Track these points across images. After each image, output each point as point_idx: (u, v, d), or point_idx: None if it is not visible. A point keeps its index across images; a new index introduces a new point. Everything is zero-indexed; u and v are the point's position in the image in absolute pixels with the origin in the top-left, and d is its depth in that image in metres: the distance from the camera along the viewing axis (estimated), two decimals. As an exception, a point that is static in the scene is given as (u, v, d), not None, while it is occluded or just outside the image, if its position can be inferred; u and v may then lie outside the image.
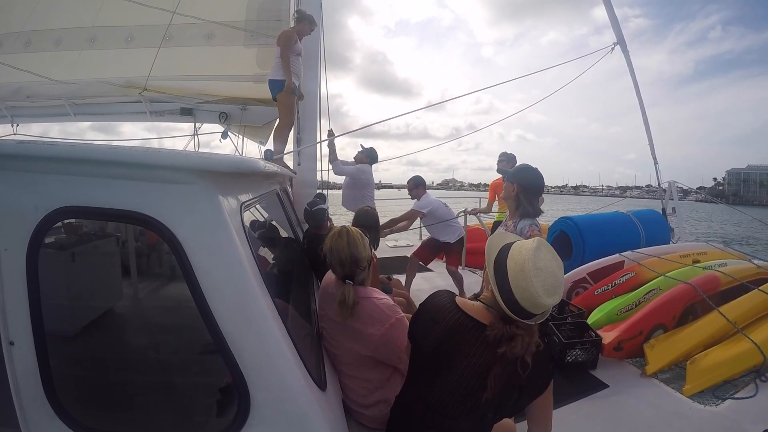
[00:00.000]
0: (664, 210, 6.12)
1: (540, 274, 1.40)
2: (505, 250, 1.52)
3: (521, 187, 2.83)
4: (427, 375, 1.64)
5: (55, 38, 5.24)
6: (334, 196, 5.28)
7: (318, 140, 4.69)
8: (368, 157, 5.37)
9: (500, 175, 5.43)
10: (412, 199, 5.41)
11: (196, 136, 5.08)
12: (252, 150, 5.52)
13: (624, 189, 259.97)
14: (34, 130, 5.71)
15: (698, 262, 4.65)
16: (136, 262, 4.24)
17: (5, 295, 1.48)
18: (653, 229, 5.65)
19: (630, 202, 6.97)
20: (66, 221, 1.95)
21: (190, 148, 5.10)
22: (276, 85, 4.32)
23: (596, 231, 5.35)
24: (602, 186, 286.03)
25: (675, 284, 3.99)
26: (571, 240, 5.35)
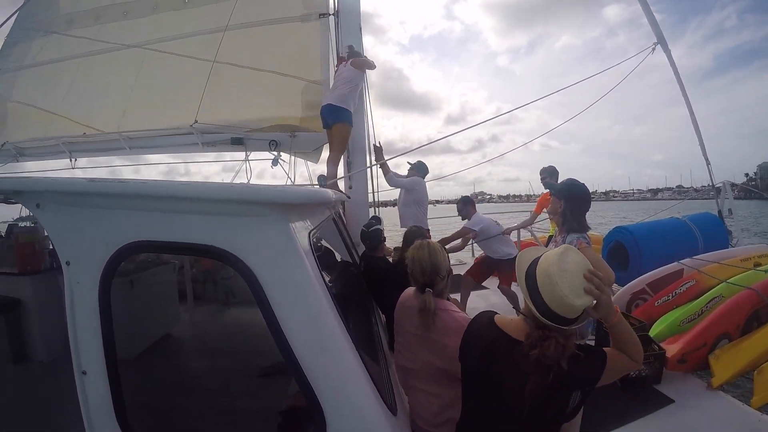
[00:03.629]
0: (720, 212, 5.85)
1: (565, 276, 1.42)
2: (535, 262, 1.55)
3: (568, 202, 2.88)
4: (475, 394, 1.65)
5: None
6: (385, 213, 5.30)
7: (368, 164, 4.78)
8: (419, 170, 5.38)
9: (547, 190, 5.35)
10: (463, 219, 5.46)
11: (247, 162, 5.18)
12: (300, 171, 5.66)
13: (655, 191, 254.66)
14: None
15: (760, 265, 4.44)
16: (193, 288, 4.41)
17: (78, 326, 1.53)
18: (711, 233, 5.39)
19: (684, 206, 6.69)
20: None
21: (242, 174, 5.23)
22: (336, 112, 4.31)
23: (653, 239, 5.15)
24: (632, 190, 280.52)
25: (738, 290, 3.81)
26: (627, 250, 5.17)
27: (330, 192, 2.04)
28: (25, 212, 4.59)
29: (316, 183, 4.90)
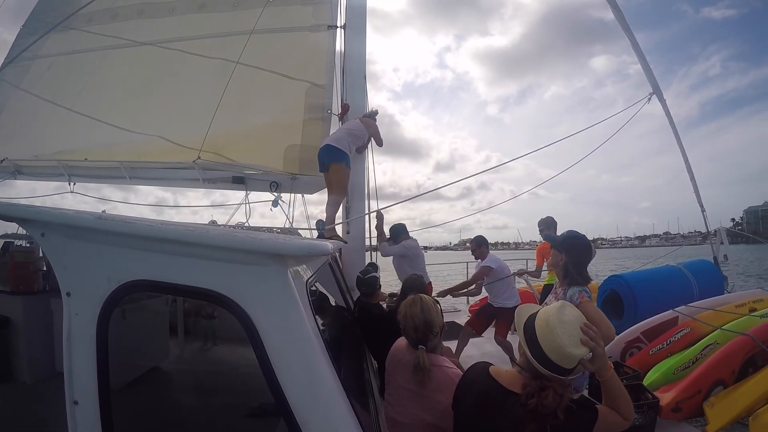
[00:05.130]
0: (715, 258, 5.91)
1: (565, 327, 1.50)
2: (533, 314, 1.63)
3: (569, 255, 2.87)
4: None
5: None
6: (382, 258, 5.38)
7: (366, 211, 4.84)
8: (402, 233, 5.33)
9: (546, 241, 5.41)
10: (476, 259, 5.51)
11: (247, 205, 5.24)
12: (299, 209, 5.73)
13: (643, 238, 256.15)
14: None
15: (755, 310, 4.45)
16: (184, 322, 4.40)
17: (73, 357, 1.56)
18: (706, 279, 5.40)
19: (679, 253, 6.75)
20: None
21: (241, 213, 5.33)
22: (332, 152, 4.35)
23: (647, 287, 5.16)
24: (620, 237, 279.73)
25: (732, 337, 3.82)
26: (622, 299, 5.16)
27: (329, 245, 2.09)
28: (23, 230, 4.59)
29: (314, 227, 4.96)
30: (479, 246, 5.46)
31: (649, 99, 5.17)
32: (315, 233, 5.16)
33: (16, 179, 6.08)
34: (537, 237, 5.94)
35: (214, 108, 5.05)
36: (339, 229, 4.74)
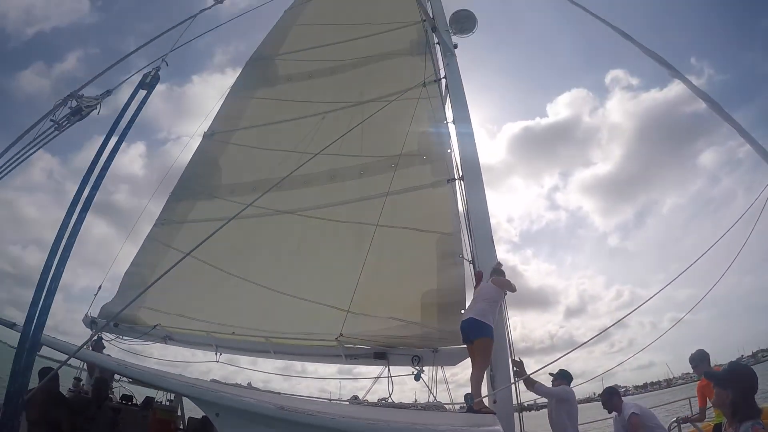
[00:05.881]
0: None
1: None
2: None
3: (735, 391, 2.68)
4: None
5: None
6: (529, 417, 5.24)
7: (511, 378, 4.73)
8: (565, 378, 5.27)
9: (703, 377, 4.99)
10: (609, 412, 5.25)
11: (389, 379, 5.27)
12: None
13: None
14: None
15: None
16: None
17: None
18: None
19: None
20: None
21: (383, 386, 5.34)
22: (477, 326, 4.36)
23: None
24: None
25: None
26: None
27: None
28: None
29: (462, 402, 4.95)
30: (611, 397, 5.21)
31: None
32: (457, 406, 5.15)
33: (166, 344, 6.53)
34: (688, 368, 5.54)
35: (353, 268, 5.51)
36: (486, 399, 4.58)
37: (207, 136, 8.51)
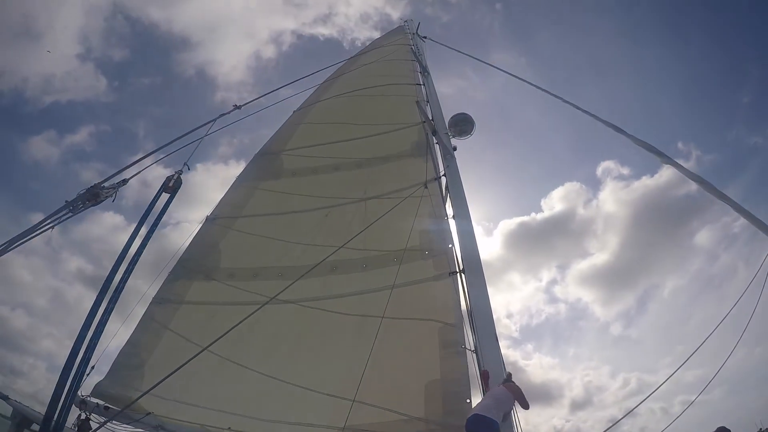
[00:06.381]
0: None
1: None
2: None
3: None
4: None
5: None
6: None
7: None
8: None
9: None
10: None
11: None
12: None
13: None
14: None
15: None
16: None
17: None
18: None
19: None
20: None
21: None
22: (482, 422, 4.32)
23: None
24: None
25: None
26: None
27: None
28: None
29: None
30: None
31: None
32: None
33: None
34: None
35: (357, 358, 5.60)
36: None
37: (210, 219, 8.72)
